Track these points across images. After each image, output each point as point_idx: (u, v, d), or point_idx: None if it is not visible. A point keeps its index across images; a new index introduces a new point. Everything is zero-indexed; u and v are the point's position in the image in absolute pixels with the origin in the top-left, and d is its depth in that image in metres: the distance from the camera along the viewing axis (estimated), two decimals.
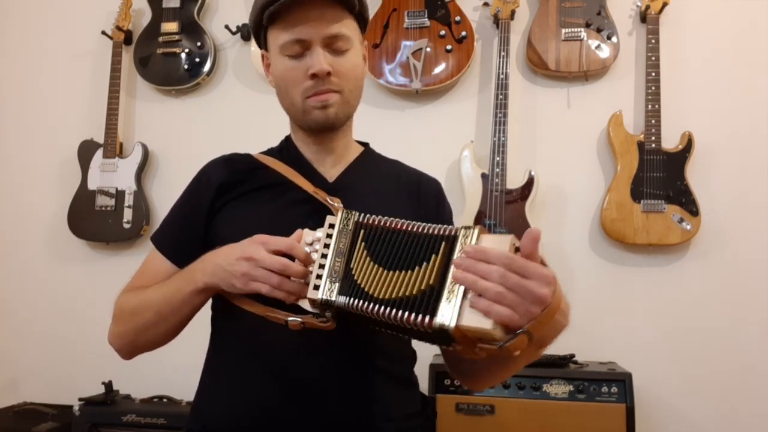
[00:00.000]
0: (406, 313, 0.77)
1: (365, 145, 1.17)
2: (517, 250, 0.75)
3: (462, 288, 0.74)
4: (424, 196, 1.12)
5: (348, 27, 1.00)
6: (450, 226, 0.81)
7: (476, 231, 0.78)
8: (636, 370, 1.77)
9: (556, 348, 2.02)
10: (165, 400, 2.05)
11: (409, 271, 0.80)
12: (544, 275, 0.72)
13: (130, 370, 2.16)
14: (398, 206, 1.06)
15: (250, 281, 0.87)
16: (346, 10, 0.99)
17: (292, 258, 0.88)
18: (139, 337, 1.02)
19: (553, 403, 1.70)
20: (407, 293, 0.79)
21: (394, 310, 0.79)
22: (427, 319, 0.75)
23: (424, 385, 1.71)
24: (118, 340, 1.04)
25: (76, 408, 1.94)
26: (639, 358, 1.97)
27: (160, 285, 1.00)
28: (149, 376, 2.09)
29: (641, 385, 1.86)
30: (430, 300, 0.76)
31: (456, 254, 0.77)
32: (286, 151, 1.11)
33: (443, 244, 0.79)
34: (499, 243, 0.75)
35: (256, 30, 1.05)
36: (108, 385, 2.04)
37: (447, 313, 0.73)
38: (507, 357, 0.74)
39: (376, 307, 0.80)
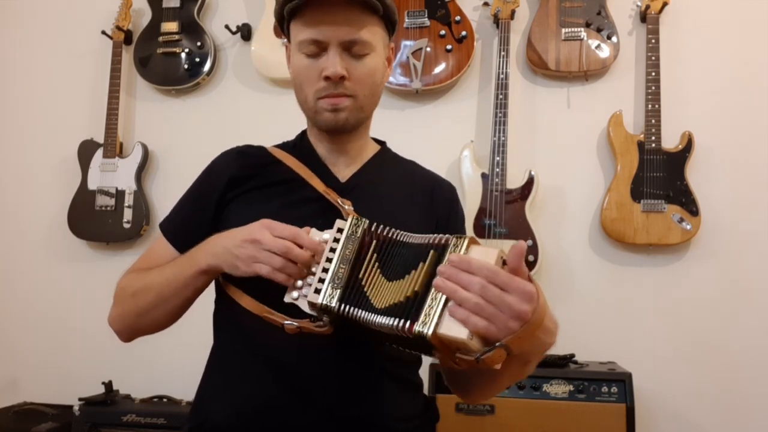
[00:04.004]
0: (390, 320, 0.78)
1: (382, 143, 1.16)
2: (504, 263, 0.75)
3: (443, 297, 0.74)
4: (437, 200, 1.11)
5: (370, 31, 0.97)
6: (444, 236, 0.81)
7: (466, 241, 0.78)
8: (636, 370, 1.77)
9: (556, 348, 2.02)
10: (165, 400, 2.05)
11: (401, 280, 0.81)
12: (526, 291, 0.72)
13: (130, 370, 2.17)
14: (409, 210, 1.06)
15: (253, 263, 0.87)
16: (370, 12, 0.97)
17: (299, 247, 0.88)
18: (140, 319, 1.02)
19: (553, 403, 1.70)
20: (396, 301, 0.79)
21: (381, 318, 0.79)
22: (408, 324, 0.75)
23: (424, 385, 1.71)
24: (119, 321, 1.04)
25: (76, 408, 1.94)
26: (639, 358, 1.97)
27: (162, 267, 1.00)
28: (149, 376, 2.10)
29: (641, 385, 1.86)
30: (413, 306, 0.76)
31: (444, 263, 0.77)
32: (300, 146, 1.10)
33: (432, 252, 0.80)
34: (486, 255, 0.75)
35: (280, 20, 1.03)
36: (108, 385, 2.04)
37: (426, 320, 0.73)
38: (487, 370, 0.73)
39: (368, 315, 0.81)
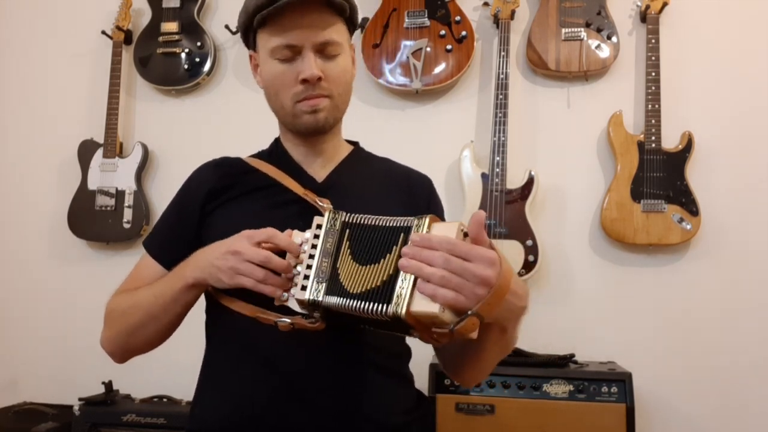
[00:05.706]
0: (368, 304, 0.79)
1: (355, 144, 1.18)
2: (465, 235, 0.77)
3: (412, 276, 0.76)
4: (415, 193, 1.13)
5: (338, 32, 1.01)
6: (409, 218, 0.82)
7: (427, 220, 0.80)
8: (636, 370, 1.77)
9: (556, 348, 2.02)
10: (165, 400, 2.05)
11: (376, 264, 0.82)
12: (487, 257, 0.73)
13: (130, 370, 2.16)
14: (388, 204, 1.07)
15: (235, 275, 0.89)
16: (337, 14, 1.00)
17: (281, 254, 0.89)
18: (131, 339, 1.03)
19: (553, 403, 1.70)
20: (372, 285, 0.81)
21: (361, 303, 0.80)
22: (383, 307, 0.77)
23: (424, 385, 1.71)
24: (110, 343, 1.06)
25: (76, 408, 1.94)
26: (639, 358, 1.97)
27: (150, 285, 1.01)
28: (149, 376, 2.09)
29: (641, 385, 1.86)
30: (386, 289, 0.78)
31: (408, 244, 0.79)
32: (275, 153, 1.12)
33: (402, 235, 0.81)
34: (446, 229, 0.77)
35: (245, 31, 1.05)
36: (108, 385, 2.04)
37: (399, 301, 0.75)
38: (469, 343, 0.76)
39: (350, 302, 0.82)
